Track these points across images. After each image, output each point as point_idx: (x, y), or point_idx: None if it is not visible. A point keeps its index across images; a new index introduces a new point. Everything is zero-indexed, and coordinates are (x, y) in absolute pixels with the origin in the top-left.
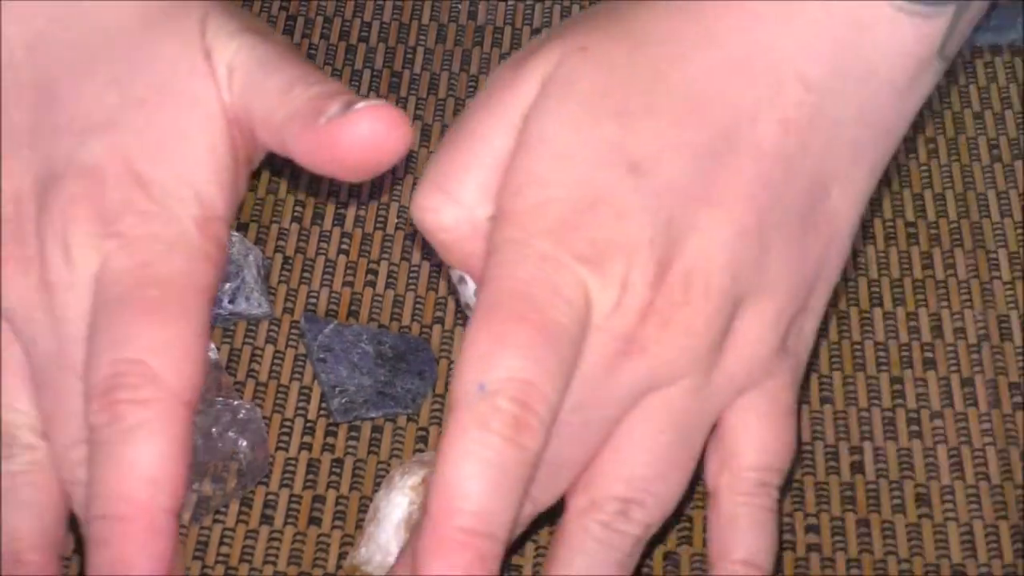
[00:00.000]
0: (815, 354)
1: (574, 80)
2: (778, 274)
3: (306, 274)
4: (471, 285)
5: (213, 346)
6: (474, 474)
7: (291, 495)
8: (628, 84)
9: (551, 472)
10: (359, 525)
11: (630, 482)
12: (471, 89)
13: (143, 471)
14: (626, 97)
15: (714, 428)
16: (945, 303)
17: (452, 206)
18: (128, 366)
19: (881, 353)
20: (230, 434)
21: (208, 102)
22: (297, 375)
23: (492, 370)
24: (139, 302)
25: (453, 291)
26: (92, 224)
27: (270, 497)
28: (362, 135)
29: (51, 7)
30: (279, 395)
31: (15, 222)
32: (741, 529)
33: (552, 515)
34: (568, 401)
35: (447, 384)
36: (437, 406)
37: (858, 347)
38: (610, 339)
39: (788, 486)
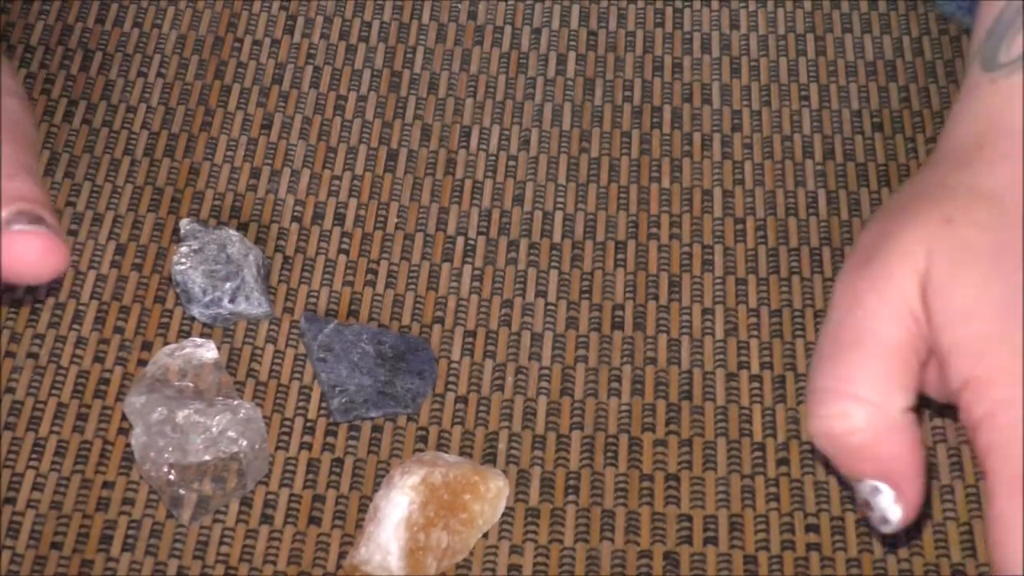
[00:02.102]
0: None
1: (963, 246)
2: None
3: (306, 274)
4: (888, 494)
5: (213, 346)
6: None
7: (291, 495)
8: (1005, 236)
9: None
10: (359, 525)
11: None
12: (471, 89)
13: None
14: (1014, 248)
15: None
16: None
17: (862, 407)
18: None
19: None
20: (230, 434)
21: None
22: (297, 375)
23: None
24: None
25: (867, 512)
26: None
27: (270, 497)
28: (13, 256)
29: None
30: (279, 395)
31: None
32: None
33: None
34: None
35: (447, 384)
36: (437, 406)
37: None
38: None
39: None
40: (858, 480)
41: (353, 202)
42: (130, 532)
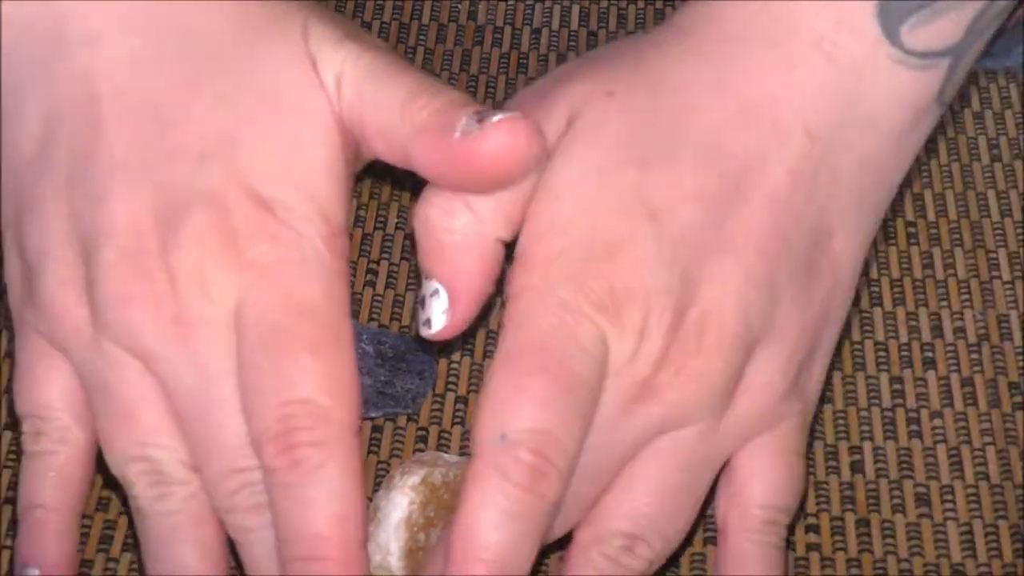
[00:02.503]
0: None
1: (600, 126)
2: (787, 321)
3: None
4: (443, 302)
5: None
6: (493, 523)
7: None
8: (650, 132)
9: (562, 507)
10: None
11: (636, 520)
12: (471, 89)
13: (333, 509)
14: (648, 146)
15: (724, 466)
16: (945, 303)
17: (467, 212)
18: (298, 407)
19: (881, 353)
20: None
21: (320, 112)
22: None
23: (513, 420)
24: (295, 339)
25: (416, 308)
26: (224, 255)
27: None
28: (500, 149)
29: (144, 23)
30: None
31: (136, 257)
32: (749, 566)
33: (560, 543)
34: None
35: (447, 384)
36: (437, 406)
37: (858, 347)
38: (626, 386)
39: (796, 523)
40: (428, 278)
41: (353, 201)
42: (130, 532)
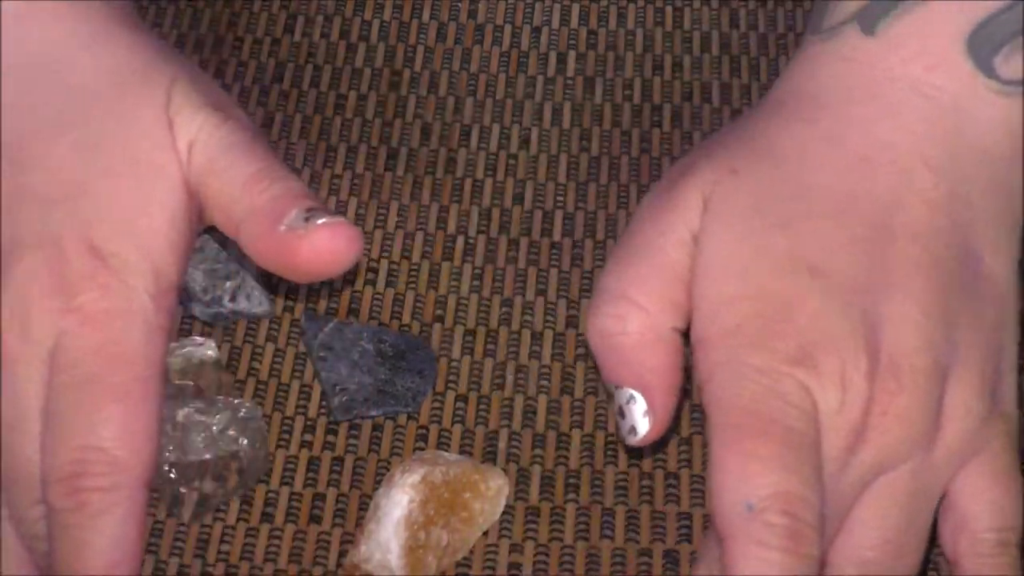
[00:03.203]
0: None
1: (733, 201)
2: (969, 345)
3: None
4: (641, 405)
5: (214, 344)
6: None
7: (291, 493)
8: (781, 196)
9: None
10: (359, 523)
11: (865, 565)
12: (471, 87)
13: (107, 555)
14: (783, 209)
15: (943, 498)
16: None
17: (638, 313)
18: (93, 453)
19: None
20: (231, 432)
21: (171, 174)
22: (297, 374)
23: (753, 489)
24: (105, 388)
25: (618, 420)
26: (51, 298)
27: (271, 495)
28: (318, 250)
29: (18, 65)
30: (280, 393)
31: None
32: None
33: None
34: None
35: (447, 383)
36: (437, 404)
37: None
38: (841, 436)
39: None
40: (618, 387)
41: (354, 201)
42: None
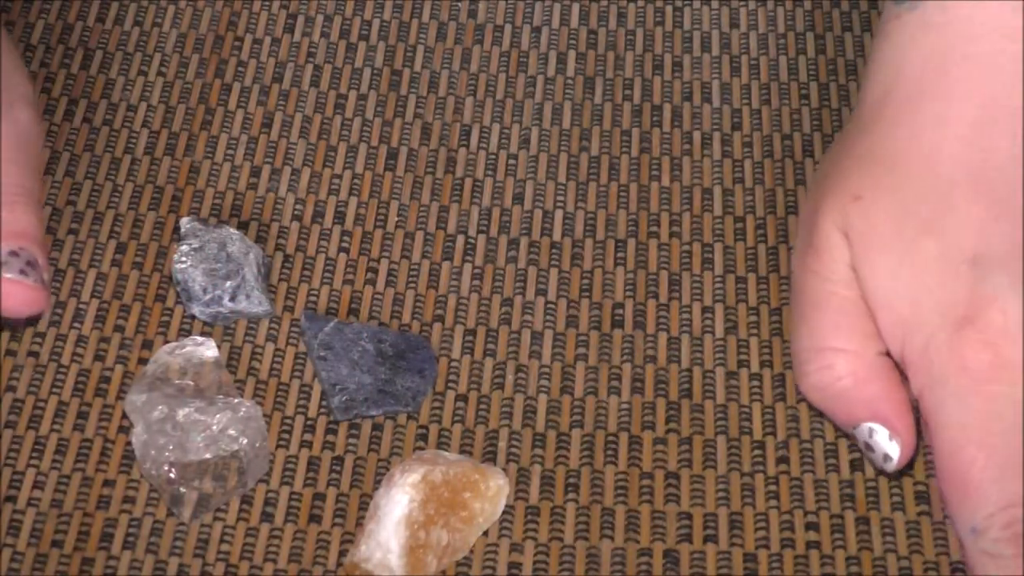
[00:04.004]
0: None
1: (869, 229)
2: None
3: (306, 272)
4: (883, 432)
5: (214, 344)
6: None
7: (291, 493)
8: (913, 201)
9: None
10: (359, 523)
11: None
12: (471, 87)
13: None
14: (920, 213)
15: None
16: None
17: (842, 356)
18: None
19: None
20: (231, 432)
21: None
22: (297, 373)
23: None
24: None
25: (869, 456)
26: None
27: (270, 495)
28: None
29: None
30: (279, 393)
31: None
32: None
33: None
34: None
35: (447, 382)
36: (437, 404)
37: None
38: None
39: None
40: (854, 427)
41: (353, 200)
42: (131, 530)
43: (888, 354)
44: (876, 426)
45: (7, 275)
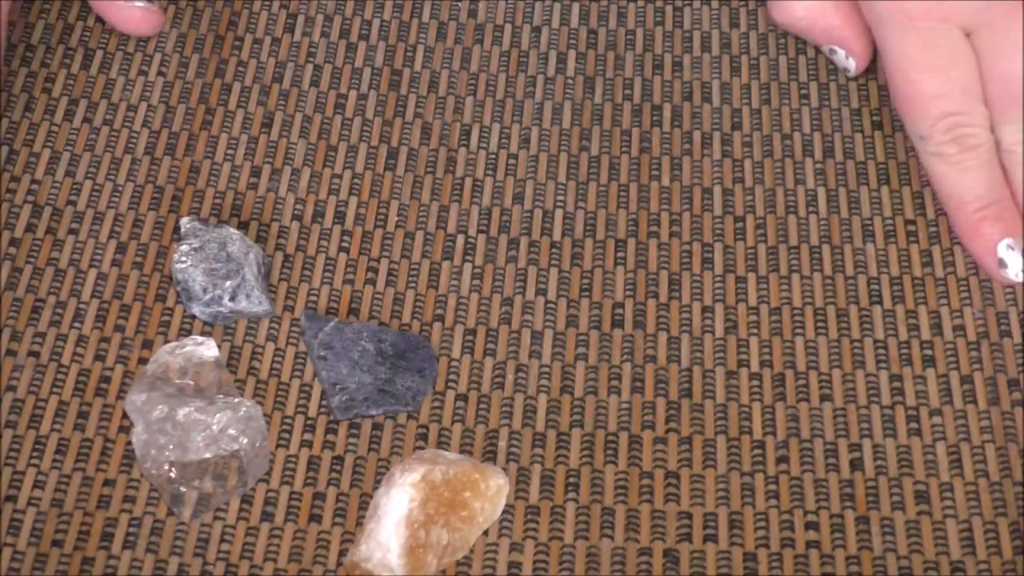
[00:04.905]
0: (815, 352)
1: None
2: None
3: (306, 272)
4: (840, 52)
5: (214, 344)
6: None
7: (291, 492)
8: None
9: None
10: (359, 522)
11: None
12: (471, 87)
13: None
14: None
15: None
16: (944, 301)
17: (800, 3)
18: None
19: (880, 351)
20: (231, 431)
21: None
22: (298, 373)
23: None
24: None
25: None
26: None
27: (271, 494)
28: (126, 18)
29: None
30: (280, 393)
31: None
32: None
33: None
34: None
35: (447, 382)
36: (437, 404)
37: (857, 344)
38: None
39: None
40: (820, 46)
41: (353, 200)
42: (131, 530)
43: None
44: (836, 48)
45: (138, 3)
